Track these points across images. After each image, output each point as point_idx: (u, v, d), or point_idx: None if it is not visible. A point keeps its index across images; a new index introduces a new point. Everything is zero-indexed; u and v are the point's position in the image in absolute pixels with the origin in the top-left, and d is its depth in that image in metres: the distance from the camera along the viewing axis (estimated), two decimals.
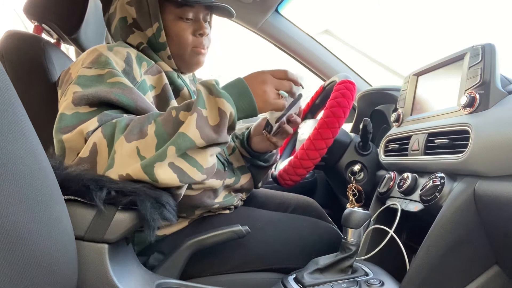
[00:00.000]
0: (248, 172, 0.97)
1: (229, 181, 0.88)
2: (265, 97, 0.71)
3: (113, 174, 0.62)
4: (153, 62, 0.84)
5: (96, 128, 0.65)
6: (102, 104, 0.69)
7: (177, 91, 0.87)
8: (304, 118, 1.34)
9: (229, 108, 0.66)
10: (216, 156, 0.87)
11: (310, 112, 1.35)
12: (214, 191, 0.84)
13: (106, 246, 0.58)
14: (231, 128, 0.69)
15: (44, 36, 1.00)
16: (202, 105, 0.65)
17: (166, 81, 0.83)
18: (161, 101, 0.82)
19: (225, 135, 0.68)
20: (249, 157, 0.98)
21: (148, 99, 0.78)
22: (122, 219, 0.58)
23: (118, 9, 0.84)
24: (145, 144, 0.63)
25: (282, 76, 0.73)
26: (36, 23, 0.98)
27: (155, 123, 0.65)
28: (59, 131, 0.67)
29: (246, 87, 0.70)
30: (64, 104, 0.69)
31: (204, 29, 0.87)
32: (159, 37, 0.84)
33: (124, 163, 0.62)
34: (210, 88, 0.68)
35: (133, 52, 0.81)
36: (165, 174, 0.62)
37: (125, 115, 0.69)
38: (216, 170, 0.84)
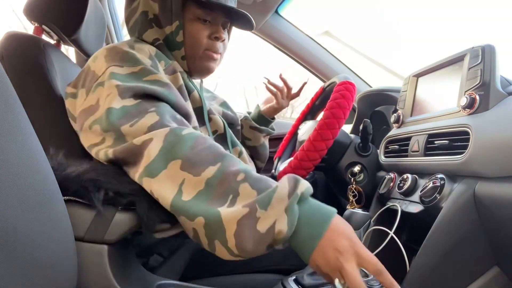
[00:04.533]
0: None
1: None
2: (331, 262, 0.53)
3: (146, 182, 0.58)
4: (170, 61, 0.84)
5: (160, 123, 0.62)
6: (146, 96, 0.67)
7: (188, 93, 0.85)
8: (304, 119, 1.34)
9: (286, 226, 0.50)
10: None
11: (310, 113, 1.35)
12: None
13: (105, 247, 0.58)
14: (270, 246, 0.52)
15: (44, 37, 1.00)
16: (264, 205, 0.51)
17: (181, 82, 0.82)
18: None
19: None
20: (264, 128, 1.17)
21: None
22: (121, 220, 0.58)
23: (141, 4, 0.85)
24: (191, 184, 0.56)
25: (374, 271, 0.54)
26: (36, 24, 0.98)
27: (214, 172, 0.56)
28: (115, 123, 0.63)
29: (322, 226, 0.52)
30: (109, 99, 0.66)
31: (220, 33, 0.87)
32: (176, 35, 0.84)
33: (163, 183, 0.56)
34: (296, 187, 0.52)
35: (151, 50, 0.81)
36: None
37: (191, 129, 0.63)
38: None
